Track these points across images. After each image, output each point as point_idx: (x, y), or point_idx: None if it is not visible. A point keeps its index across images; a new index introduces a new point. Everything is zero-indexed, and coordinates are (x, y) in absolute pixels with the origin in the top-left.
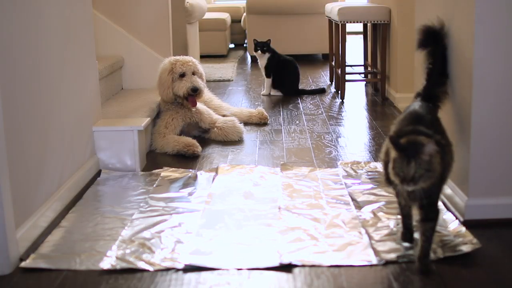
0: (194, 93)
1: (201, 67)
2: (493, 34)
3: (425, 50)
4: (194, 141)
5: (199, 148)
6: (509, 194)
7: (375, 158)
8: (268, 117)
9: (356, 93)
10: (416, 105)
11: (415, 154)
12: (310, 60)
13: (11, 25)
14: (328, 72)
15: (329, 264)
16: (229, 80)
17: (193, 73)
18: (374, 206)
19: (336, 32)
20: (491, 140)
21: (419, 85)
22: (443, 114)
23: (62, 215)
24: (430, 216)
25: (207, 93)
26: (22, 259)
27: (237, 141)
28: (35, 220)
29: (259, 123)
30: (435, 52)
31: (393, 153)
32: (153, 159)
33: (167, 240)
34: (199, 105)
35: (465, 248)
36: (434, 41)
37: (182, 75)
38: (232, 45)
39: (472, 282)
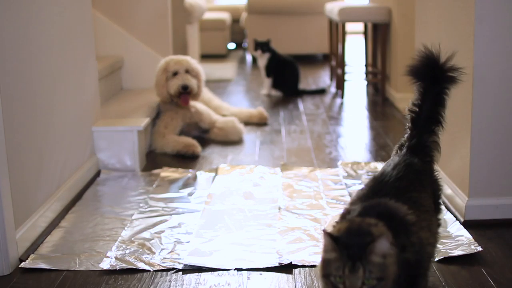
0: (185, 91)
1: (198, 66)
2: (493, 34)
3: (417, 83)
4: (194, 141)
5: (199, 148)
6: (510, 195)
7: (376, 158)
8: (268, 117)
9: (356, 93)
10: (391, 163)
11: (362, 255)
12: (310, 60)
13: (10, 25)
14: (328, 72)
15: None
16: (229, 80)
17: (187, 71)
18: None
19: (337, 32)
20: (491, 140)
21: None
22: None
23: (62, 216)
24: None
25: (207, 93)
26: (21, 260)
27: (237, 141)
28: (34, 221)
29: (259, 123)
30: (429, 92)
31: (326, 249)
32: (153, 159)
33: (167, 241)
34: (199, 105)
35: (465, 249)
36: (432, 77)
37: (175, 74)
38: (232, 45)
39: (472, 282)
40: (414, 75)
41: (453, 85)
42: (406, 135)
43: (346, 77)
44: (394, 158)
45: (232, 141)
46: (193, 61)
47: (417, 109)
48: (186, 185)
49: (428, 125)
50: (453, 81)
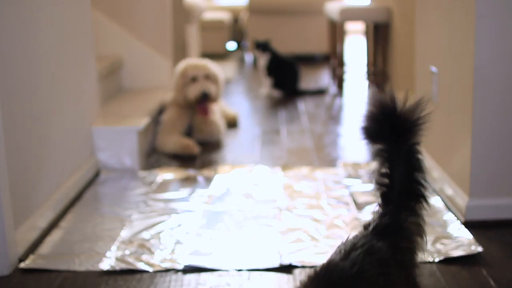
0: (204, 97)
1: (217, 70)
2: (494, 34)
3: (375, 146)
4: (192, 142)
5: (196, 149)
6: (510, 195)
7: None
8: (238, 120)
9: (356, 93)
10: (342, 248)
11: None
12: (310, 60)
13: (9, 25)
14: (328, 72)
15: None
16: (229, 80)
17: (207, 77)
18: (375, 206)
19: (337, 32)
20: (492, 141)
21: (420, 86)
22: (443, 115)
23: (61, 216)
24: None
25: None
26: (21, 260)
27: (236, 141)
28: (34, 221)
29: (231, 124)
30: (396, 155)
31: None
32: (152, 159)
33: (166, 241)
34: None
35: (466, 250)
36: (394, 133)
37: (194, 79)
38: (233, 45)
39: (472, 282)
40: (371, 136)
41: (421, 135)
42: (375, 214)
43: (346, 77)
44: (348, 241)
45: (208, 141)
46: (212, 66)
47: (387, 181)
48: (186, 185)
49: (405, 201)
50: (421, 130)
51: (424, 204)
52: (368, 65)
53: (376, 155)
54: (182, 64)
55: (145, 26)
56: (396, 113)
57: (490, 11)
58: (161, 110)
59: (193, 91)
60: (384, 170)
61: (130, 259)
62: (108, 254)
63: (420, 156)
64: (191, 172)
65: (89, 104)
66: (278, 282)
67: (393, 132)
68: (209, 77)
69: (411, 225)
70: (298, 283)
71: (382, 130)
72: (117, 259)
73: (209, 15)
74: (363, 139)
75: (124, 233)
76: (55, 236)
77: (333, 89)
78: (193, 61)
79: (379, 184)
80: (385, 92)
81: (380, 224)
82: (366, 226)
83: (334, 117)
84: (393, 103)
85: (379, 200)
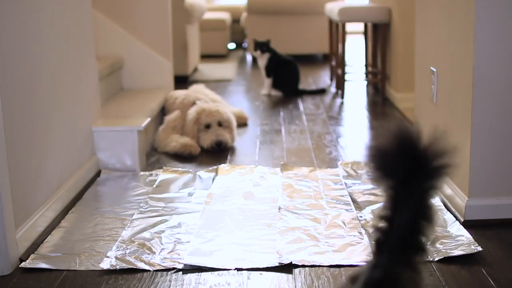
0: (219, 147)
1: (230, 115)
2: (493, 34)
3: (384, 181)
4: (192, 142)
5: (197, 149)
6: (510, 194)
7: None
8: (248, 118)
9: (356, 93)
10: None
11: None
12: (310, 60)
13: (10, 25)
14: (328, 72)
15: (329, 265)
16: (229, 80)
17: (220, 124)
18: (375, 206)
19: (337, 32)
20: (492, 140)
21: (420, 86)
22: (442, 115)
23: (62, 216)
24: None
25: (206, 91)
26: (21, 260)
27: (237, 141)
28: (34, 221)
29: (239, 123)
30: (405, 196)
31: None
32: (153, 159)
33: (167, 241)
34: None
35: (465, 249)
36: (409, 172)
37: (208, 126)
38: (233, 45)
39: (472, 282)
40: (383, 168)
41: (441, 179)
42: (364, 265)
43: (346, 77)
44: None
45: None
46: (224, 110)
47: (386, 225)
48: (186, 185)
49: (403, 251)
50: (440, 175)
51: (423, 257)
52: (367, 65)
53: (382, 192)
54: (195, 111)
55: (145, 26)
56: (418, 148)
57: (490, 11)
58: (163, 109)
59: (207, 140)
60: (386, 212)
61: (131, 259)
62: (108, 253)
63: (432, 204)
64: (191, 172)
65: (90, 104)
66: (278, 281)
67: (410, 168)
68: (222, 123)
69: (407, 282)
70: None
71: (398, 164)
72: (118, 258)
73: (209, 15)
74: (373, 174)
75: (125, 233)
76: (55, 235)
77: (333, 89)
78: (206, 106)
79: (377, 230)
80: (408, 126)
81: (369, 280)
82: (353, 279)
83: (334, 117)
84: (416, 139)
85: (373, 248)
